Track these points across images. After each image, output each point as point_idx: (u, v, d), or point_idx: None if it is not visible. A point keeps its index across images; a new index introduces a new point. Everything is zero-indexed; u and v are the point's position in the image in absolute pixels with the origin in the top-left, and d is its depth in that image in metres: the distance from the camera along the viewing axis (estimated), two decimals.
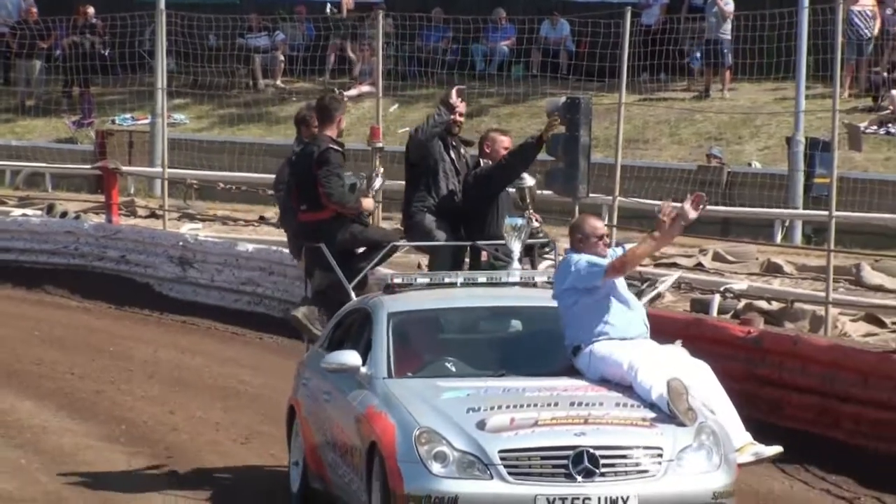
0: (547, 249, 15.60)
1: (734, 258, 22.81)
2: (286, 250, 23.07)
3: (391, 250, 14.57)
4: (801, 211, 27.21)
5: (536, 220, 14.98)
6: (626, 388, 11.27)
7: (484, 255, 14.55)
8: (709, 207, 12.93)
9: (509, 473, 10.40)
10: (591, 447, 10.44)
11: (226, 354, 19.89)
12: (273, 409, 16.70)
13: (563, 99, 20.07)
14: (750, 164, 30.41)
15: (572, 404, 11.07)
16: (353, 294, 13.39)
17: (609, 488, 10.37)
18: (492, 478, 10.42)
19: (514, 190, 15.10)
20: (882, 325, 18.43)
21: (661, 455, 10.57)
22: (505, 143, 14.95)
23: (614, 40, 24.83)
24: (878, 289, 20.72)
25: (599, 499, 10.34)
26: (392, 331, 12.36)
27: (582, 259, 11.72)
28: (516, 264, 13.35)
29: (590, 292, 11.71)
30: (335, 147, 14.28)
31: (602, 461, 10.41)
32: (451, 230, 14.65)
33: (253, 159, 33.40)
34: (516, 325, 12.90)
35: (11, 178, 33.68)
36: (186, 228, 25.89)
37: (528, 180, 14.73)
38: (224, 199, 30.95)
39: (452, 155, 14.91)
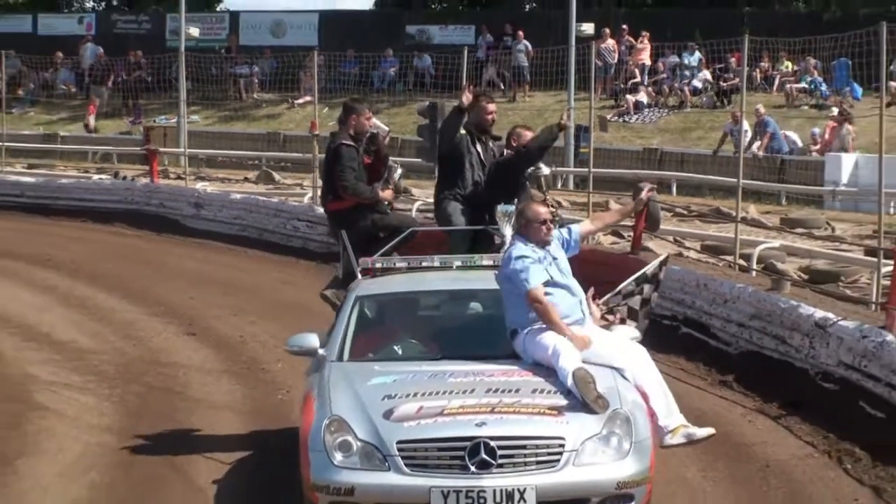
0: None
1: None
2: (262, 198, 23.16)
3: (409, 236, 10.51)
4: (572, 169, 27.40)
5: (553, 206, 11.85)
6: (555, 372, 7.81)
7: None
8: None
9: (406, 465, 7.14)
10: (488, 438, 7.09)
11: (224, 262, 19.75)
12: (252, 295, 16.64)
13: (427, 103, 20.01)
14: None
15: (488, 391, 7.57)
16: (360, 276, 9.53)
17: (505, 480, 7.11)
18: (389, 469, 7.17)
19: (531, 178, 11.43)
20: (621, 237, 18.48)
21: (562, 445, 7.18)
22: (529, 136, 11.16)
23: (458, 67, 24.68)
24: None
25: (495, 491, 7.07)
26: (356, 313, 8.82)
27: (521, 263, 8.10)
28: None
29: None
30: (347, 143, 10.47)
31: (500, 452, 7.09)
32: (473, 217, 10.75)
33: (238, 143, 33.42)
34: (476, 307, 9.12)
35: (92, 156, 33.20)
36: (199, 185, 25.67)
37: (545, 169, 11.20)
38: (222, 167, 30.79)
39: (479, 148, 11.02)
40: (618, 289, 9.65)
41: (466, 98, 10.97)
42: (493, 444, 7.09)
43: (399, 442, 7.15)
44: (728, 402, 11.07)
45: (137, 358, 13.07)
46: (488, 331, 8.57)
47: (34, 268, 18.63)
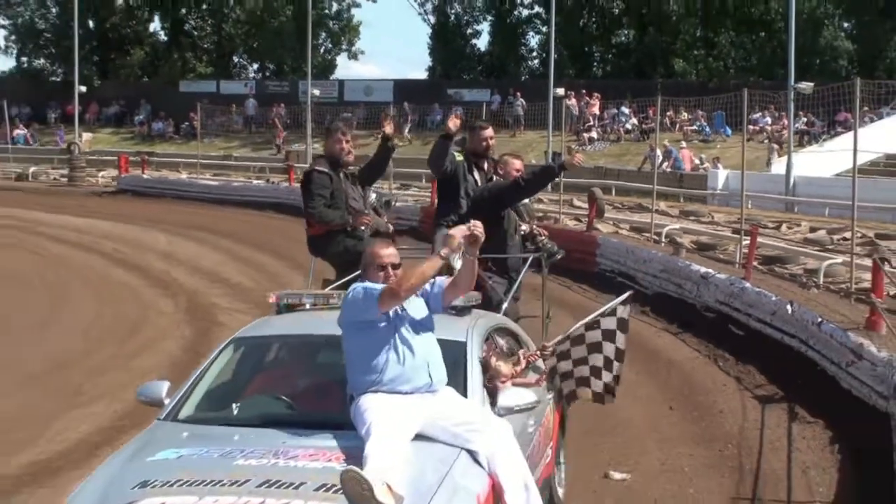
0: (559, 256, 7.21)
1: None
2: None
3: None
4: None
5: (541, 234, 7.26)
6: None
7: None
8: None
9: None
10: None
11: None
12: None
13: (460, 136, 19.87)
14: (532, 162, 30.21)
15: (262, 485, 3.48)
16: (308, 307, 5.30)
17: None
18: None
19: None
20: (580, 221, 18.17)
21: None
22: (516, 165, 7.19)
23: (476, 115, 24.51)
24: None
25: None
26: (223, 360, 4.66)
27: (359, 286, 4.21)
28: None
29: (368, 330, 4.12)
30: (320, 169, 6.74)
31: None
32: None
33: None
34: None
35: (253, 168, 32.79)
36: None
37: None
38: None
39: (476, 175, 7.11)
40: (567, 333, 5.49)
41: (454, 124, 6.93)
42: None
43: None
44: (645, 324, 11.03)
45: None
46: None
47: (218, 237, 18.66)
